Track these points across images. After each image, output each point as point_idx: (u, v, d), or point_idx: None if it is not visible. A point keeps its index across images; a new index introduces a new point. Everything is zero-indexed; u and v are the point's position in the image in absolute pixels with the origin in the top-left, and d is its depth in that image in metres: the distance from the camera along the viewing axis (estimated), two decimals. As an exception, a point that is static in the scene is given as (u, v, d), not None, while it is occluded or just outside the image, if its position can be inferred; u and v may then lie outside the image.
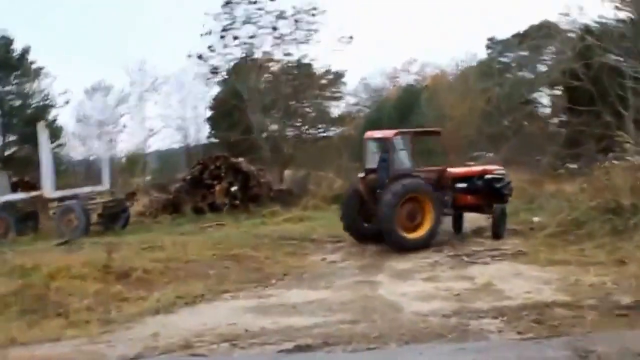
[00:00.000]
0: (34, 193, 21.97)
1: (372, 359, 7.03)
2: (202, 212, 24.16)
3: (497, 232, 15.48)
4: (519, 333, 7.61)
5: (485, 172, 16.10)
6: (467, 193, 15.83)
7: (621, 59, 21.26)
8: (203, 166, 25.87)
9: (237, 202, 24.85)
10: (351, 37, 31.55)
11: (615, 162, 16.77)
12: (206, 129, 50.85)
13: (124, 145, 49.59)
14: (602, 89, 22.09)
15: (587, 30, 23.59)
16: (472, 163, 16.66)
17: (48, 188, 21.57)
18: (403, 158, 15.60)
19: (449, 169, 15.84)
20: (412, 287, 11.03)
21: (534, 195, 21.12)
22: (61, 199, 21.34)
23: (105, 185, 22.95)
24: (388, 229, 14.57)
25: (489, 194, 15.72)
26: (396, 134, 15.77)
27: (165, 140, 60.19)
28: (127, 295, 11.38)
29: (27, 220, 21.85)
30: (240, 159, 26.45)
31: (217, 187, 25.12)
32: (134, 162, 49.59)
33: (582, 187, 16.59)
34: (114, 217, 21.89)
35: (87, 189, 22.64)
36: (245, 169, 25.91)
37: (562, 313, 8.40)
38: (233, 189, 25.04)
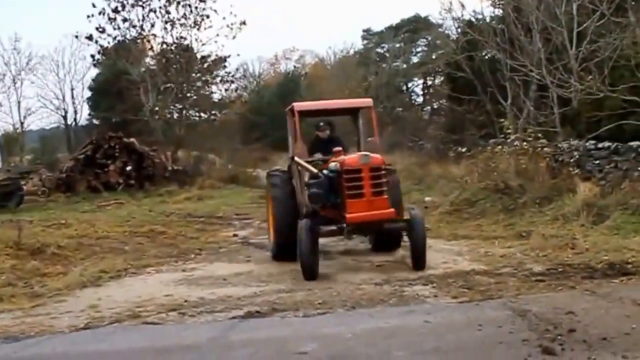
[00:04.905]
0: None
1: (325, 322, 7.07)
2: (97, 191, 23.51)
3: None
4: (453, 297, 7.90)
5: None
6: None
7: (499, 53, 22.27)
8: (96, 146, 25.11)
9: (132, 181, 24.35)
10: (244, 23, 31.29)
11: (499, 147, 17.67)
12: (86, 110, 49.39)
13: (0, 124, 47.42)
14: (483, 80, 23.12)
15: (469, 25, 24.57)
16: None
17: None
18: None
19: None
20: (333, 260, 11.20)
21: (422, 176, 21.92)
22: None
23: (-1, 164, 22.17)
24: None
25: None
26: None
27: (43, 120, 57.99)
28: (45, 271, 10.93)
29: None
30: (132, 139, 25.95)
31: (112, 167, 24.51)
32: (11, 141, 47.37)
33: (472, 169, 17.33)
34: (8, 196, 20.94)
35: (-20, 167, 21.73)
36: (139, 149, 25.41)
37: (485, 280, 8.78)
38: (128, 168, 24.48)
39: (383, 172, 10.06)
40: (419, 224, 10.04)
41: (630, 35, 15.69)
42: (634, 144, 16.03)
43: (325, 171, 10.35)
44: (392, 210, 9.92)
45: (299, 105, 11.89)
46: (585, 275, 8.77)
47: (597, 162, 16.69)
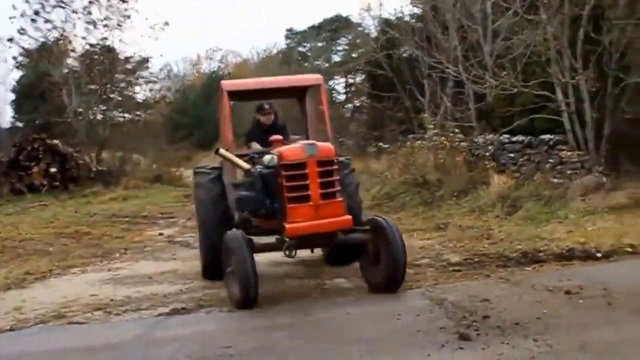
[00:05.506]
0: None
1: (249, 317, 7.11)
2: (21, 194, 22.81)
3: None
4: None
5: None
6: None
7: (417, 51, 22.71)
8: (19, 148, 24.37)
9: (56, 183, 23.74)
10: (167, 23, 30.85)
11: (418, 142, 18.06)
12: (9, 112, 47.87)
13: None
14: (402, 77, 23.56)
15: (387, 24, 24.98)
16: None
17: None
18: None
19: None
20: (256, 255, 11.19)
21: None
22: None
23: None
24: None
25: None
26: None
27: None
28: (-33, 275, 10.61)
29: None
30: (56, 141, 25.30)
31: (35, 169, 23.80)
32: None
33: (392, 164, 17.67)
34: None
35: None
36: (63, 150, 24.79)
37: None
38: (52, 170, 23.83)
39: (335, 166, 7.71)
40: (395, 232, 7.61)
41: (541, 32, 16.27)
42: (546, 137, 16.66)
43: (258, 167, 8.00)
44: (348, 217, 7.58)
45: (228, 84, 9.47)
46: (500, 264, 9.06)
47: (511, 155, 17.27)
